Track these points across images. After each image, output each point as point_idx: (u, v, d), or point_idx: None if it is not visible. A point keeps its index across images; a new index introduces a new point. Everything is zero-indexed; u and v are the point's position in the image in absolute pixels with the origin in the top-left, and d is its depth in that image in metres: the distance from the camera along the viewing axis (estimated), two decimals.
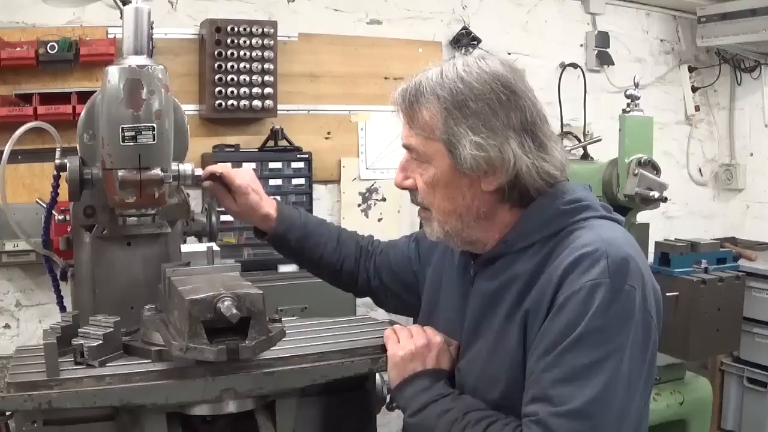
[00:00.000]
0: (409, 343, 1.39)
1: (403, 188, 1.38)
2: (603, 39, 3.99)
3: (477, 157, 1.25)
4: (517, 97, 1.27)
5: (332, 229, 1.76)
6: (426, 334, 1.41)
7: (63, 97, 2.72)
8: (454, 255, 1.49)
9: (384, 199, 3.59)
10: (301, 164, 3.22)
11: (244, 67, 3.07)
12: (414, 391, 1.35)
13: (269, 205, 1.69)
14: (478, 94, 1.25)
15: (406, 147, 1.35)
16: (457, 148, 1.26)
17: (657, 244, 2.89)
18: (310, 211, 3.24)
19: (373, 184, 3.56)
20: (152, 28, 1.55)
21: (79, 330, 1.39)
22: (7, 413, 1.31)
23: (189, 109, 3.03)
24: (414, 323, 1.53)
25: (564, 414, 1.11)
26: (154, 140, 1.44)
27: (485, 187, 1.29)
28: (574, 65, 3.92)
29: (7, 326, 2.90)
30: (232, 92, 3.05)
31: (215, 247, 1.52)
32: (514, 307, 1.26)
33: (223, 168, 1.67)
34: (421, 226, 1.45)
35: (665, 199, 2.74)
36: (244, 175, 1.68)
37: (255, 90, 3.10)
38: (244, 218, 1.72)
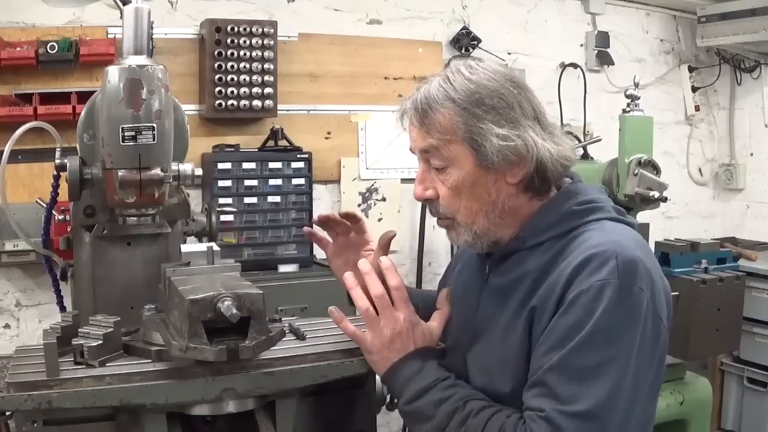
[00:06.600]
0: (379, 331, 1.34)
1: (424, 200, 1.36)
2: (603, 39, 3.99)
3: (504, 148, 1.26)
4: (524, 90, 1.31)
5: None
6: (390, 316, 1.35)
7: (63, 97, 2.72)
8: (473, 260, 1.47)
9: (384, 199, 3.59)
10: (301, 164, 3.22)
11: (244, 67, 3.07)
12: (406, 375, 1.32)
13: None
14: (491, 91, 1.28)
15: (425, 156, 1.33)
16: (482, 144, 1.27)
17: (657, 244, 2.88)
18: (311, 211, 3.24)
19: (373, 184, 3.55)
20: (152, 28, 1.54)
21: (79, 330, 1.39)
22: (7, 413, 1.31)
23: (189, 109, 3.03)
24: None
25: (572, 414, 1.12)
26: (154, 140, 1.44)
27: (510, 180, 1.30)
28: (574, 65, 3.92)
29: (7, 326, 2.90)
30: (232, 92, 3.05)
31: (215, 247, 1.52)
32: (522, 304, 1.27)
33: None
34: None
35: (665, 199, 2.74)
36: None
37: (255, 90, 3.10)
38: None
